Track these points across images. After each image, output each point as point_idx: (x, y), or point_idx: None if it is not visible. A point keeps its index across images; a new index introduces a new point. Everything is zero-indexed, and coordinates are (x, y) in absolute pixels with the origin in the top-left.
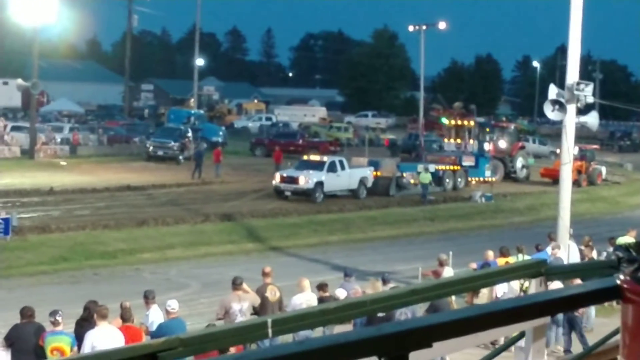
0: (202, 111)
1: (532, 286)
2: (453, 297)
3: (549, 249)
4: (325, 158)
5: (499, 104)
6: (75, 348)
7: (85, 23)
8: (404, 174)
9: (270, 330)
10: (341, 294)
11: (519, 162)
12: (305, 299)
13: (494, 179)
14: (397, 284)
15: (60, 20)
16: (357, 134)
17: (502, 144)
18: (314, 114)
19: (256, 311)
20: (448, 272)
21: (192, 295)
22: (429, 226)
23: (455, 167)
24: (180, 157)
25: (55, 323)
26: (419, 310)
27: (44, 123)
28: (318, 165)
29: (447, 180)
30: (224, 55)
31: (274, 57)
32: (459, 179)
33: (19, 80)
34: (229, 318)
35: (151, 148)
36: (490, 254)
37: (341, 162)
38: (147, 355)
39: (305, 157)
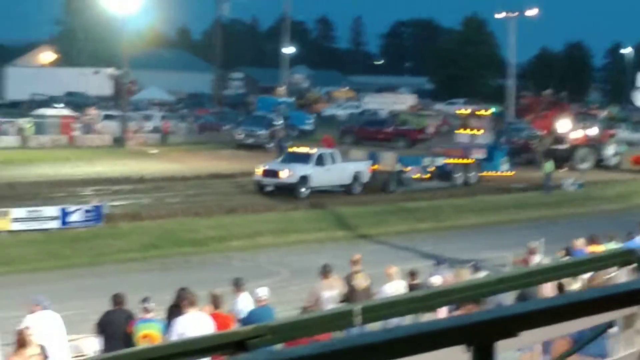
0: (291, 99)
1: (623, 274)
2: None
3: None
4: (313, 150)
5: (590, 91)
6: (166, 335)
7: (175, 11)
8: (407, 168)
9: (358, 318)
10: (437, 280)
11: (610, 150)
12: (395, 288)
13: (511, 173)
14: (488, 272)
15: (150, 9)
16: (446, 122)
17: (593, 131)
18: (403, 101)
19: (345, 299)
20: (538, 261)
21: (281, 283)
22: (518, 214)
23: (469, 160)
24: (269, 145)
25: (146, 310)
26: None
27: (135, 111)
28: (305, 158)
29: (457, 174)
30: (313, 44)
31: (363, 45)
32: (471, 173)
33: (110, 69)
34: (319, 306)
35: (241, 136)
36: (579, 242)
37: (332, 155)
38: (235, 342)
39: (291, 149)
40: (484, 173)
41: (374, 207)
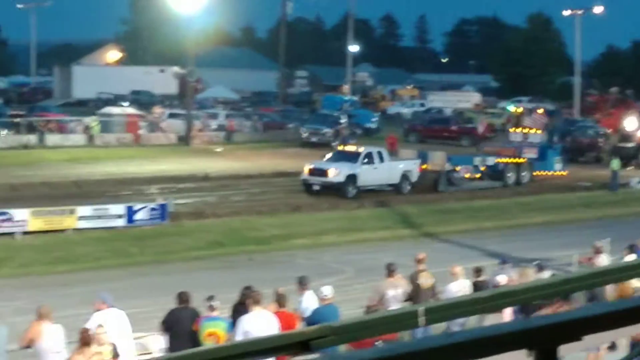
0: (356, 97)
1: None
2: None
3: None
4: (361, 149)
5: None
6: (231, 333)
7: (240, 10)
8: (458, 168)
9: (422, 319)
10: (502, 279)
11: None
12: (460, 287)
13: (564, 172)
14: (553, 272)
15: (215, 8)
16: (510, 120)
17: None
18: (467, 99)
19: (409, 298)
20: (604, 260)
21: (345, 281)
22: (584, 212)
23: (520, 160)
24: (334, 144)
25: (211, 308)
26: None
27: (200, 110)
28: (353, 157)
29: (509, 173)
30: (377, 42)
31: (428, 43)
32: (523, 173)
33: (175, 68)
34: (383, 304)
35: (306, 134)
36: None
37: (380, 154)
38: (299, 342)
39: (340, 148)
40: (537, 173)
41: (439, 206)
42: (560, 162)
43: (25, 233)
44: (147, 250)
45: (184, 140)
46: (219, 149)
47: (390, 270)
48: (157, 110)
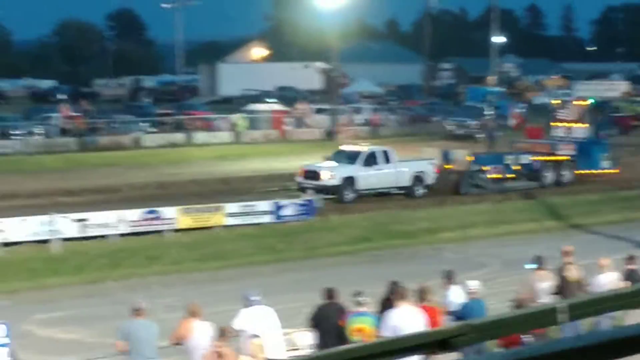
0: (501, 89)
1: None
2: None
3: None
4: (363, 148)
5: None
6: (378, 328)
7: (383, 4)
8: (486, 167)
9: (563, 315)
10: None
11: None
12: (609, 279)
13: (615, 170)
14: None
15: (358, 2)
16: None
17: None
18: (615, 88)
19: (556, 291)
20: None
21: (492, 275)
22: None
23: (560, 157)
24: (480, 136)
25: (358, 304)
26: None
27: (345, 105)
28: (352, 157)
29: (546, 173)
30: (522, 32)
31: (574, 32)
32: (564, 172)
33: (320, 63)
34: (532, 298)
35: (451, 127)
36: None
37: (385, 154)
38: (440, 340)
39: (341, 147)
40: (581, 171)
41: (587, 197)
42: (608, 158)
43: (175, 231)
44: (294, 246)
45: (330, 135)
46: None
47: (538, 263)
48: (301, 105)
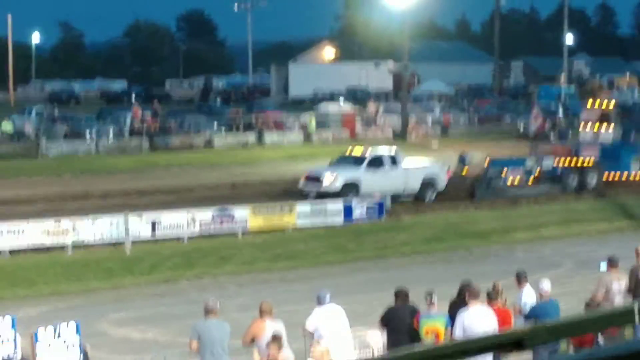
0: (572, 88)
1: None
2: None
3: None
4: (369, 151)
5: None
6: (450, 329)
7: (454, 3)
8: (504, 172)
9: (639, 317)
10: None
11: None
12: None
13: None
14: None
15: (428, 2)
16: None
17: None
18: None
19: (629, 292)
20: None
21: (565, 275)
22: None
23: (584, 161)
24: (551, 135)
25: (430, 304)
26: None
27: (415, 104)
28: (356, 161)
29: (569, 177)
30: (594, 31)
31: None
32: (589, 176)
33: (390, 63)
34: (608, 297)
35: (522, 126)
36: None
37: (393, 158)
38: (513, 341)
39: (347, 151)
40: (610, 175)
41: None
42: (637, 162)
43: (245, 234)
44: (365, 247)
45: (400, 135)
46: (434, 146)
47: (613, 263)
48: (373, 106)
